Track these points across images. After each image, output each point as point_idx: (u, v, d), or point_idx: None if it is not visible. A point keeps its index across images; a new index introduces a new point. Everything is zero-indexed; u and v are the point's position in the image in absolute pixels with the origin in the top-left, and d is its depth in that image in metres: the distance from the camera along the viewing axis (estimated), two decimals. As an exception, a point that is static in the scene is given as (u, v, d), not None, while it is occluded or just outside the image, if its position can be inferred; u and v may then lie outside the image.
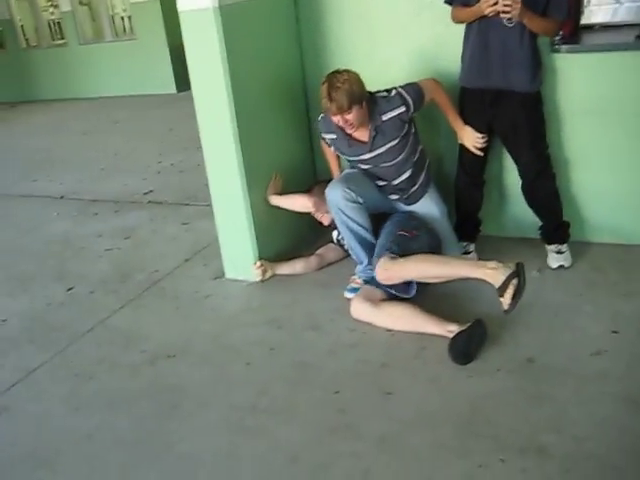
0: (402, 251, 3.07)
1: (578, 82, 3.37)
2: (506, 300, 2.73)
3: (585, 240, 3.62)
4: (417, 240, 3.19)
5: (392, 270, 3.02)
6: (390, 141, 3.25)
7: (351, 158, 3.38)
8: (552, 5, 3.05)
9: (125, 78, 10.22)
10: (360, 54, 3.73)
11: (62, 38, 11.20)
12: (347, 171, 3.45)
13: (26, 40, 11.69)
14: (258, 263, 3.58)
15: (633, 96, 3.28)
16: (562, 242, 3.44)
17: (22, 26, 11.65)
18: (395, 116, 3.20)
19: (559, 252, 3.42)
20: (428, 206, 3.44)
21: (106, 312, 3.54)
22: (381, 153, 3.28)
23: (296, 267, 3.65)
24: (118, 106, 9.74)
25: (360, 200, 3.24)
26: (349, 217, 3.24)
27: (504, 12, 2.95)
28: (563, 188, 3.49)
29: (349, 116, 3.09)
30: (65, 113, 9.95)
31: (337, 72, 3.14)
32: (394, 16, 3.65)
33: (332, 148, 3.47)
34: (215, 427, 2.57)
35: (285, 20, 3.79)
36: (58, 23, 11.30)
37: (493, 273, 2.78)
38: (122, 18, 10.82)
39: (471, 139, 3.32)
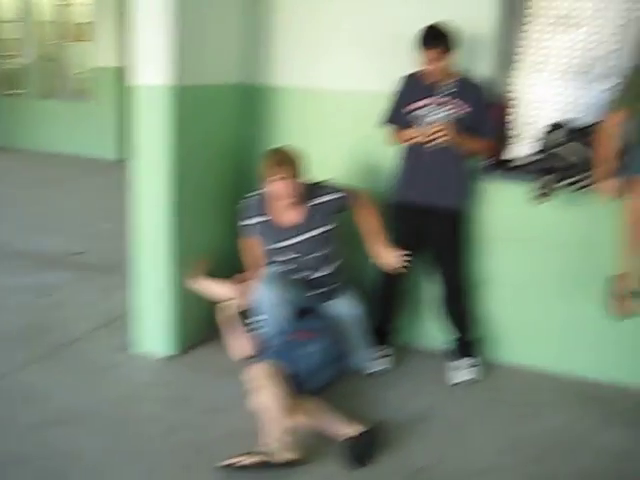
0: (279, 360, 3.06)
1: (501, 209, 3.59)
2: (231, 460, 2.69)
3: (493, 360, 3.74)
4: (307, 345, 3.17)
5: (256, 375, 2.98)
6: (321, 226, 3.38)
7: (277, 245, 3.44)
8: (480, 127, 3.33)
9: (73, 138, 10.23)
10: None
11: (17, 88, 11.20)
12: (274, 269, 3.47)
13: (-20, 84, 11.67)
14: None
15: (549, 229, 3.51)
16: (469, 358, 3.55)
17: (-22, 70, 11.64)
18: (329, 200, 3.37)
19: (465, 367, 3.53)
20: (342, 307, 3.52)
21: (7, 368, 3.45)
22: (309, 238, 3.38)
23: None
24: (61, 164, 9.70)
25: (290, 300, 3.31)
26: (277, 317, 3.29)
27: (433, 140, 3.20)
28: (477, 307, 3.65)
29: (286, 174, 3.24)
30: (8, 163, 9.84)
31: (284, 146, 3.38)
32: (334, 123, 3.86)
33: (254, 236, 3.51)
34: (97, 500, 2.52)
35: (238, 111, 3.94)
36: (15, 73, 11.30)
37: (261, 446, 2.75)
38: (80, 80, 10.88)
39: (393, 259, 3.40)
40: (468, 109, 3.30)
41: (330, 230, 3.42)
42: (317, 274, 3.47)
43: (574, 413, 3.30)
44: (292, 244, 3.41)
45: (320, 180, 3.44)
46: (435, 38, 3.17)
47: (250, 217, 3.48)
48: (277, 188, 3.29)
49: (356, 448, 2.79)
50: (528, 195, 3.33)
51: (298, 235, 3.39)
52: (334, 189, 3.41)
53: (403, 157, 3.47)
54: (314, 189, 3.39)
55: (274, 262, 3.51)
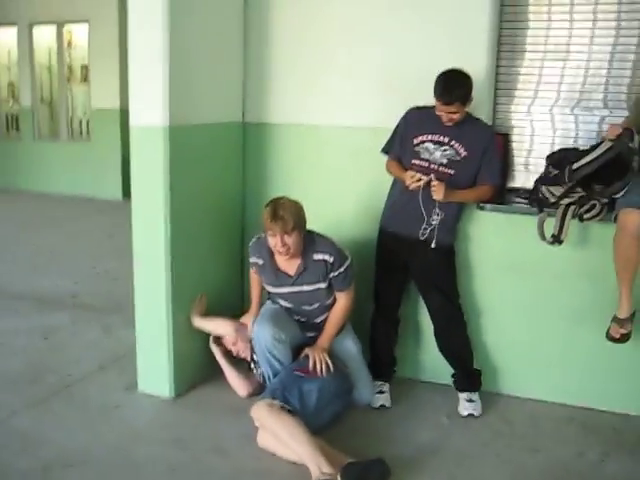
0: (284, 396, 3.08)
1: (499, 239, 3.59)
2: None
3: (497, 391, 3.71)
4: (314, 381, 3.20)
5: (262, 417, 3.03)
6: (315, 283, 3.34)
7: (274, 290, 3.46)
8: (483, 172, 3.32)
9: (74, 178, 10.28)
10: (297, 189, 3.88)
11: (17, 131, 11.30)
12: (271, 307, 3.49)
13: (-20, 129, 11.77)
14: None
15: (545, 256, 3.46)
16: (473, 390, 3.52)
17: (-21, 115, 11.74)
18: (323, 261, 3.30)
19: (469, 400, 3.49)
20: (343, 343, 3.50)
21: (6, 412, 3.42)
22: (303, 291, 3.37)
23: (236, 376, 3.61)
24: (63, 205, 9.74)
25: (287, 340, 3.32)
26: (274, 356, 3.31)
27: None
28: (477, 338, 3.64)
29: (289, 240, 3.18)
30: (7, 204, 9.88)
31: (283, 197, 3.29)
32: (333, 158, 3.86)
33: (256, 274, 3.54)
34: None
35: (232, 148, 3.96)
36: (16, 116, 11.41)
37: (318, 477, 2.74)
38: (80, 121, 10.98)
39: (320, 357, 3.31)
40: (464, 153, 3.28)
41: (324, 287, 3.37)
42: (316, 320, 3.47)
43: (580, 443, 3.26)
44: (288, 292, 3.41)
45: (320, 234, 3.39)
46: (453, 94, 3.14)
47: (252, 255, 3.47)
48: (273, 243, 3.25)
49: (356, 474, 2.73)
50: (538, 235, 3.27)
51: (293, 286, 3.37)
52: (331, 249, 3.32)
53: (395, 187, 3.48)
54: (313, 242, 3.32)
55: (275, 300, 3.50)
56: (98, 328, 4.65)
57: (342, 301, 3.41)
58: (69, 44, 10.63)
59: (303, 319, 3.48)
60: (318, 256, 3.30)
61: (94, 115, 10.26)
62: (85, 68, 10.48)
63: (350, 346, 3.50)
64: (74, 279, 5.89)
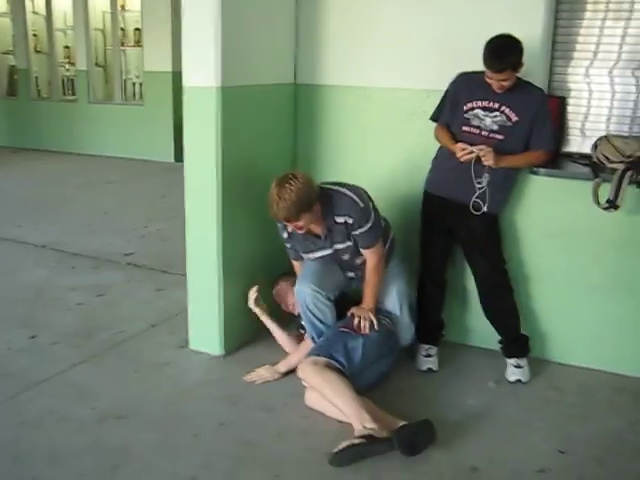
0: (329, 353, 3.10)
1: (549, 204, 3.52)
2: (341, 445, 2.73)
3: (546, 358, 3.67)
4: (358, 338, 3.20)
5: (307, 375, 3.07)
6: (344, 242, 3.31)
7: (311, 256, 3.40)
8: (535, 138, 3.24)
9: (127, 141, 10.42)
10: (349, 151, 3.88)
11: (73, 94, 11.46)
12: (310, 264, 3.44)
13: (38, 91, 11.94)
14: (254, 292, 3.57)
15: (598, 223, 3.39)
16: (520, 356, 3.48)
17: (37, 77, 11.91)
18: (344, 223, 3.23)
19: (517, 366, 3.46)
20: (388, 289, 3.49)
21: (65, 365, 3.53)
22: (336, 250, 3.34)
23: (283, 334, 3.66)
24: (116, 167, 9.89)
25: (328, 299, 3.31)
26: (315, 316, 3.32)
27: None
28: (526, 304, 3.60)
29: (300, 222, 3.14)
30: (64, 166, 10.08)
31: (287, 178, 3.11)
32: (386, 120, 3.82)
33: (289, 247, 3.50)
34: (151, 494, 2.55)
35: (283, 109, 3.95)
36: (72, 80, 11.56)
37: (360, 430, 2.76)
38: (134, 84, 11.08)
39: (365, 315, 3.31)
40: (515, 118, 3.20)
41: (352, 245, 3.31)
42: (356, 262, 3.41)
43: (633, 413, 3.21)
44: (323, 256, 3.37)
45: (340, 191, 3.26)
46: (503, 61, 3.05)
47: (282, 231, 3.43)
48: (285, 224, 3.25)
49: (409, 435, 2.74)
50: (593, 200, 3.20)
51: (325, 248, 3.34)
52: (350, 210, 3.20)
53: (441, 151, 3.43)
54: (331, 205, 3.22)
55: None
56: (150, 287, 4.75)
57: (370, 262, 3.33)
58: (122, 7, 10.71)
59: (342, 265, 3.45)
60: (339, 219, 3.22)
61: (147, 78, 10.34)
62: (138, 31, 10.55)
63: (390, 289, 3.49)
64: (127, 239, 6.01)
